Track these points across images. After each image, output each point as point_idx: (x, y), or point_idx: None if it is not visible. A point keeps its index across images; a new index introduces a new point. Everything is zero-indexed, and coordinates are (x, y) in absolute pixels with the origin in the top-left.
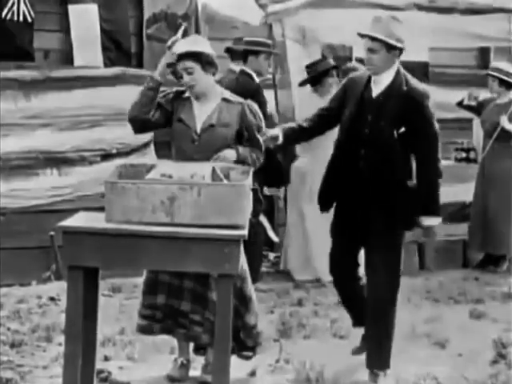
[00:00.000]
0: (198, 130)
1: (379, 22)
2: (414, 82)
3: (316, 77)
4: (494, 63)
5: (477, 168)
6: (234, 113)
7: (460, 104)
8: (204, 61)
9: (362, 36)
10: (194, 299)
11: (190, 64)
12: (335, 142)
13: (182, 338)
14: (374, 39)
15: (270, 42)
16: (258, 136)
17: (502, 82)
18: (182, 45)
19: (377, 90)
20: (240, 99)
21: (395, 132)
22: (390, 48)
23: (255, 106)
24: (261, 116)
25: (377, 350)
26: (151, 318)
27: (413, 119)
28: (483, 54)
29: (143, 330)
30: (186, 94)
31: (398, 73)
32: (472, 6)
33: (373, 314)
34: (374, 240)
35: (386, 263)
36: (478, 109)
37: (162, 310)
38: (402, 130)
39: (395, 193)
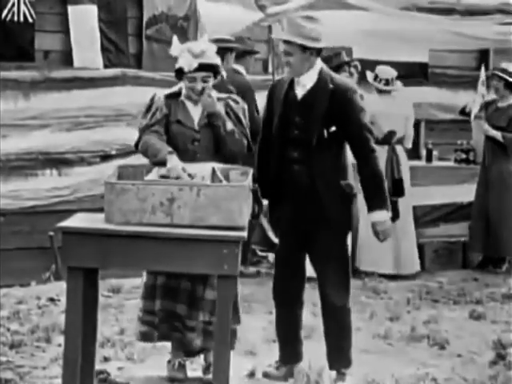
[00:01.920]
0: (197, 130)
1: (292, 24)
2: (340, 79)
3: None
4: (502, 64)
5: (476, 169)
6: (222, 108)
7: (462, 112)
8: (217, 71)
9: (283, 41)
10: (190, 301)
11: (208, 74)
12: (272, 150)
13: (176, 342)
14: (287, 42)
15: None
16: (244, 126)
17: (507, 85)
18: (208, 57)
19: (301, 91)
20: (223, 95)
21: (325, 131)
22: (305, 49)
23: (238, 98)
24: (245, 106)
25: (339, 351)
26: (151, 324)
27: (342, 116)
28: (483, 56)
29: (144, 337)
30: (182, 97)
31: (321, 72)
32: (472, 8)
33: (331, 316)
34: (319, 247)
35: (335, 269)
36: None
37: (158, 316)
38: (333, 128)
39: (331, 194)
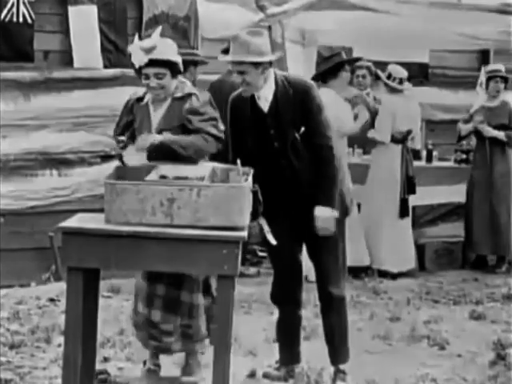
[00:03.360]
0: None
1: (239, 43)
2: (295, 79)
3: (330, 70)
4: (492, 65)
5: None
6: (182, 108)
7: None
8: (175, 69)
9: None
10: (166, 306)
11: (162, 70)
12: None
13: (153, 350)
14: (238, 62)
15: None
16: (203, 123)
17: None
18: (159, 52)
19: (265, 104)
20: (193, 91)
21: (296, 134)
22: (258, 64)
23: (198, 95)
24: (212, 102)
25: (335, 346)
26: (134, 323)
27: (307, 114)
28: (483, 56)
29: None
30: (145, 100)
31: (276, 79)
32: (472, 8)
33: (327, 310)
34: (316, 240)
35: (331, 257)
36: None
37: (139, 318)
38: (303, 129)
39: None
